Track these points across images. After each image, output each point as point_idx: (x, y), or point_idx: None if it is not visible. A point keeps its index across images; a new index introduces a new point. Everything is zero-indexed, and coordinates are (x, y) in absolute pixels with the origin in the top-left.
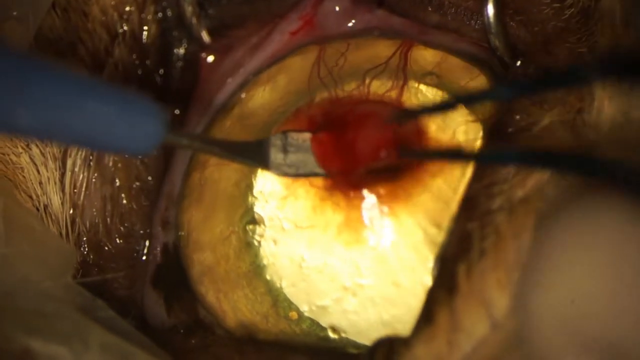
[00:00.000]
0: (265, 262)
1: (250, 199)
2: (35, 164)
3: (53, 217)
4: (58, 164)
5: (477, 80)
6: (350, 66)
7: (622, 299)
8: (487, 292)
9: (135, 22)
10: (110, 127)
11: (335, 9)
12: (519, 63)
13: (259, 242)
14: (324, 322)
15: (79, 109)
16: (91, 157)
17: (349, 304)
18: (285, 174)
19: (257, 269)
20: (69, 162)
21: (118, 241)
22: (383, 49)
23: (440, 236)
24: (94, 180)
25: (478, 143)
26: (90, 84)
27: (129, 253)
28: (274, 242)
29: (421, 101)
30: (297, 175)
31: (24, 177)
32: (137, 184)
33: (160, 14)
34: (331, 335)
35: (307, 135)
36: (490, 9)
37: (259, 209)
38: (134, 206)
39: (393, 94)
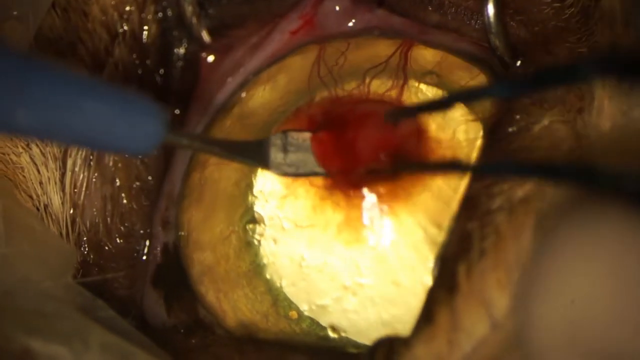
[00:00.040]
0: (265, 261)
1: (250, 198)
2: (35, 163)
3: (53, 217)
4: (58, 163)
5: (477, 80)
6: (350, 65)
7: (621, 310)
8: (487, 292)
9: (136, 21)
10: (110, 127)
11: (335, 8)
12: (519, 63)
13: (259, 242)
14: (323, 322)
15: (79, 109)
16: (91, 157)
17: (348, 304)
18: (285, 174)
19: (257, 269)
20: (69, 162)
21: (118, 241)
22: (383, 49)
23: (440, 236)
24: (94, 180)
25: (478, 142)
26: (90, 84)
27: (129, 253)
28: (274, 242)
29: (421, 100)
30: (297, 174)
31: (24, 176)
32: (138, 183)
33: (160, 14)
34: (331, 334)
35: (307, 135)
36: (491, 9)
37: (259, 208)
38: (134, 206)
39: (393, 93)
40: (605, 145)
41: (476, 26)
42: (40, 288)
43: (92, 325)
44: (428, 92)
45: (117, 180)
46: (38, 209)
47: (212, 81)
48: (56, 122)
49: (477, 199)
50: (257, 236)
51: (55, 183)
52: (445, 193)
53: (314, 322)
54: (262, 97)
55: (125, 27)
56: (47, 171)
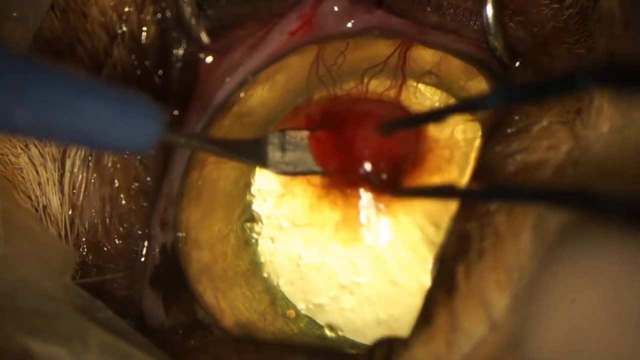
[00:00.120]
0: (262, 260)
1: (248, 197)
2: (34, 164)
3: (52, 218)
4: (57, 164)
5: (475, 81)
6: (349, 65)
7: (620, 338)
8: (486, 293)
9: (134, 23)
10: (109, 127)
11: (334, 9)
12: (517, 64)
13: (257, 241)
14: (320, 320)
15: (77, 109)
16: (90, 158)
17: (345, 302)
18: (283, 172)
19: (255, 267)
20: (68, 163)
21: (117, 242)
22: (382, 49)
23: (437, 235)
24: (92, 181)
25: (477, 142)
26: (88, 84)
27: (128, 254)
28: (271, 240)
29: (419, 100)
30: (294, 173)
31: (23, 177)
32: (136, 184)
33: (159, 15)
34: (328, 333)
35: (304, 134)
36: (489, 10)
37: (256, 207)
38: (133, 207)
39: (391, 93)
40: (604, 146)
41: (475, 27)
42: (39, 288)
43: (91, 325)
44: (426, 92)
45: (116, 181)
46: (37, 210)
47: (211, 82)
48: (55, 122)
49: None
50: (255, 235)
51: (54, 184)
52: None
53: (311, 321)
54: (261, 96)
55: (124, 28)
56: (46, 172)
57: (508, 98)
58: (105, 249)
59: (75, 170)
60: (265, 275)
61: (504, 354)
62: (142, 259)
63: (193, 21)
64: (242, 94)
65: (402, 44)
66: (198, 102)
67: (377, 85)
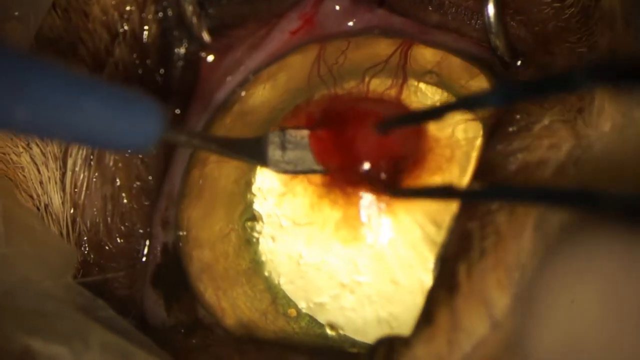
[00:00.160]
0: (263, 259)
1: (249, 196)
2: (35, 163)
3: (53, 217)
4: (59, 163)
5: (477, 80)
6: (350, 64)
7: (620, 338)
8: (488, 292)
9: (136, 21)
10: (110, 126)
11: (335, 8)
12: (519, 63)
13: (257, 239)
14: (321, 319)
15: (78, 107)
16: (92, 157)
17: (346, 301)
18: (284, 171)
19: (256, 266)
20: (70, 162)
21: (118, 241)
22: (383, 48)
23: (438, 234)
24: (94, 179)
25: (478, 141)
26: (89, 83)
27: (130, 253)
28: (272, 239)
29: (420, 99)
30: (295, 172)
31: (24, 176)
32: (138, 183)
33: (160, 14)
34: (329, 332)
35: (305, 132)
36: (491, 9)
37: (257, 206)
38: (135, 206)
39: (392, 92)
40: (605, 145)
41: (476, 26)
42: (40, 288)
43: (92, 325)
44: (427, 91)
45: (118, 180)
46: (38, 209)
47: (212, 80)
48: (56, 121)
49: None
50: (255, 234)
51: (56, 183)
52: None
53: (312, 320)
54: (262, 95)
55: (126, 27)
56: (48, 171)
57: (508, 96)
58: (107, 248)
59: (77, 169)
60: (266, 274)
61: (505, 353)
62: (144, 258)
63: (194, 20)
64: (243, 93)
65: (403, 43)
66: (199, 101)
67: (378, 85)
